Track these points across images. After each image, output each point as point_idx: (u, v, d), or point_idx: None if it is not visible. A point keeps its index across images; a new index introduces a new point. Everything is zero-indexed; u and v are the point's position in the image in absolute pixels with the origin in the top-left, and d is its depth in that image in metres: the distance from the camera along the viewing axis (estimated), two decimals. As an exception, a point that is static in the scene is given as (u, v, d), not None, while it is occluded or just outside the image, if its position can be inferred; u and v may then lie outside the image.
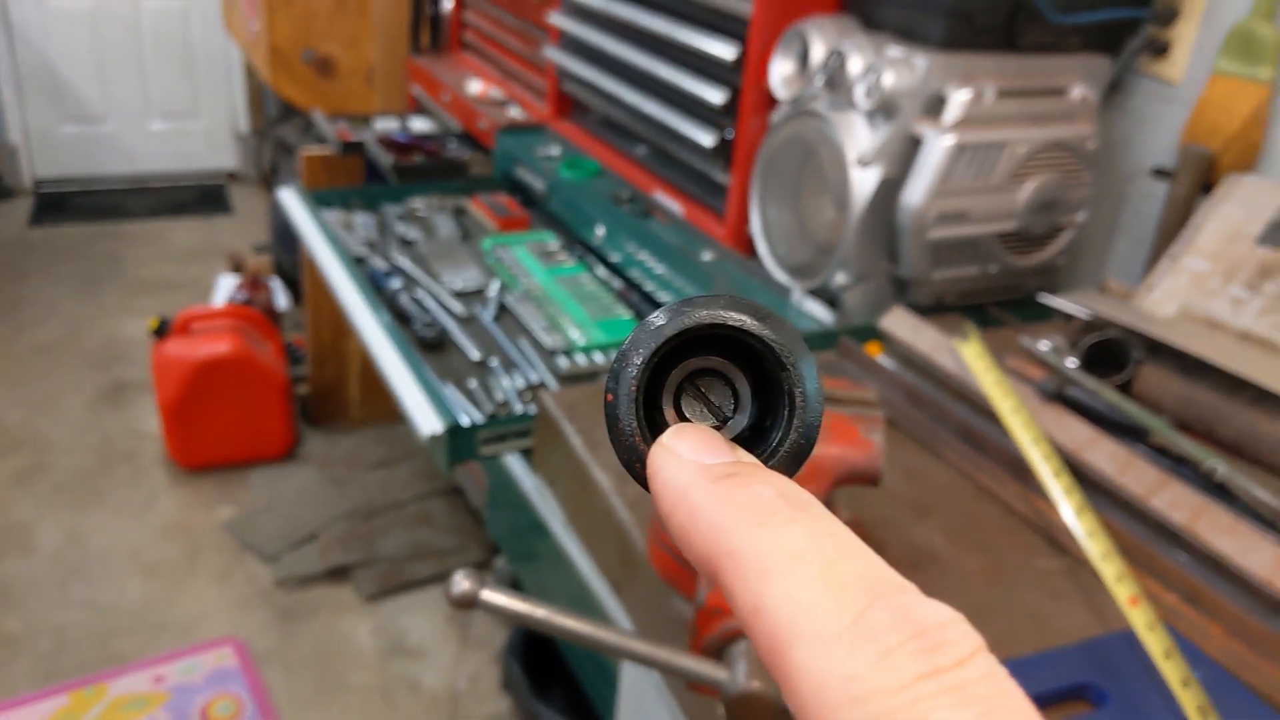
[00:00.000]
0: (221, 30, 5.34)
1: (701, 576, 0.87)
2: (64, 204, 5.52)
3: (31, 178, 5.65)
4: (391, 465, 3.44)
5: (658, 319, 0.41)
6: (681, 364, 0.44)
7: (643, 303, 2.07)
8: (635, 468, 0.42)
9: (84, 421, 3.67)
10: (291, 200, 2.51)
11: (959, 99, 1.56)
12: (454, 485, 3.30)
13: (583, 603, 1.59)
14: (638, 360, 0.41)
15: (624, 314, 2.03)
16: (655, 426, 0.43)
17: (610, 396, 0.41)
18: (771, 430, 0.43)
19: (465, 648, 2.79)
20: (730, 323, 0.41)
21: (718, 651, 0.83)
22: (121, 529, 3.14)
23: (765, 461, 0.42)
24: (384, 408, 3.67)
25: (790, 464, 0.42)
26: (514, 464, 1.89)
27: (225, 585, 2.95)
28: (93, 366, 4.01)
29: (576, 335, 1.94)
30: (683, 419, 0.45)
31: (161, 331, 3.24)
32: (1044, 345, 1.38)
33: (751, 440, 0.45)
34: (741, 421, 0.45)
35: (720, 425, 0.45)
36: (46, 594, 2.88)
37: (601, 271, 2.22)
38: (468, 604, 0.80)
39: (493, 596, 0.81)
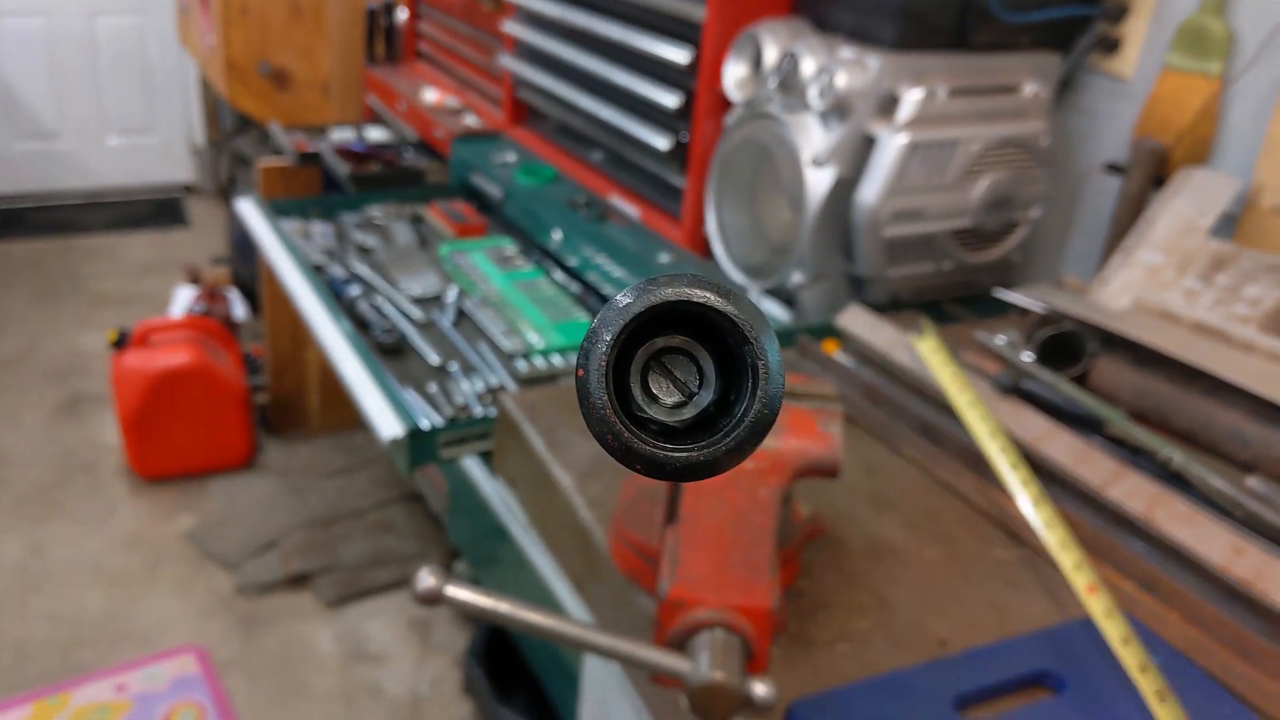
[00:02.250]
0: (177, 45, 5.32)
1: (663, 569, 0.87)
2: (19, 220, 5.47)
3: (-14, 194, 5.60)
4: (351, 473, 3.43)
5: (625, 297, 0.42)
6: (648, 343, 0.45)
7: (601, 306, 2.07)
8: (607, 439, 0.43)
9: (43, 434, 3.64)
10: (250, 210, 2.50)
11: (912, 98, 1.57)
12: (414, 491, 3.29)
13: (544, 605, 1.58)
14: (607, 337, 0.42)
15: (582, 317, 2.03)
16: (625, 401, 0.43)
17: (581, 372, 0.42)
18: (735, 404, 0.44)
19: (427, 652, 2.78)
20: (695, 299, 0.42)
21: (680, 644, 0.83)
22: (82, 540, 3.12)
23: (730, 433, 0.43)
24: (343, 416, 3.66)
25: (754, 434, 0.43)
26: (473, 467, 1.89)
27: (186, 594, 2.94)
28: (51, 380, 3.98)
29: (535, 339, 1.94)
30: (649, 394, 0.45)
31: (120, 343, 3.22)
32: (1000, 339, 1.39)
33: (716, 415, 0.46)
34: (706, 397, 0.46)
35: (686, 400, 0.46)
36: (7, 606, 2.85)
37: (559, 276, 2.22)
38: (433, 600, 0.80)
39: (457, 592, 0.81)
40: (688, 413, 0.46)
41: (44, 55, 5.46)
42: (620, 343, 0.42)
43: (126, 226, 5.52)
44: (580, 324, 2.00)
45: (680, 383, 0.46)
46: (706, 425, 0.46)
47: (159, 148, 5.91)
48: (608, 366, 0.42)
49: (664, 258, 1.97)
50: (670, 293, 0.42)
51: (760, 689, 0.78)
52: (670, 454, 0.43)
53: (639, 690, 1.09)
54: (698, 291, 0.42)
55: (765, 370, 0.42)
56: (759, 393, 0.42)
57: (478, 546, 1.95)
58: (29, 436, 3.62)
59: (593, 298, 2.11)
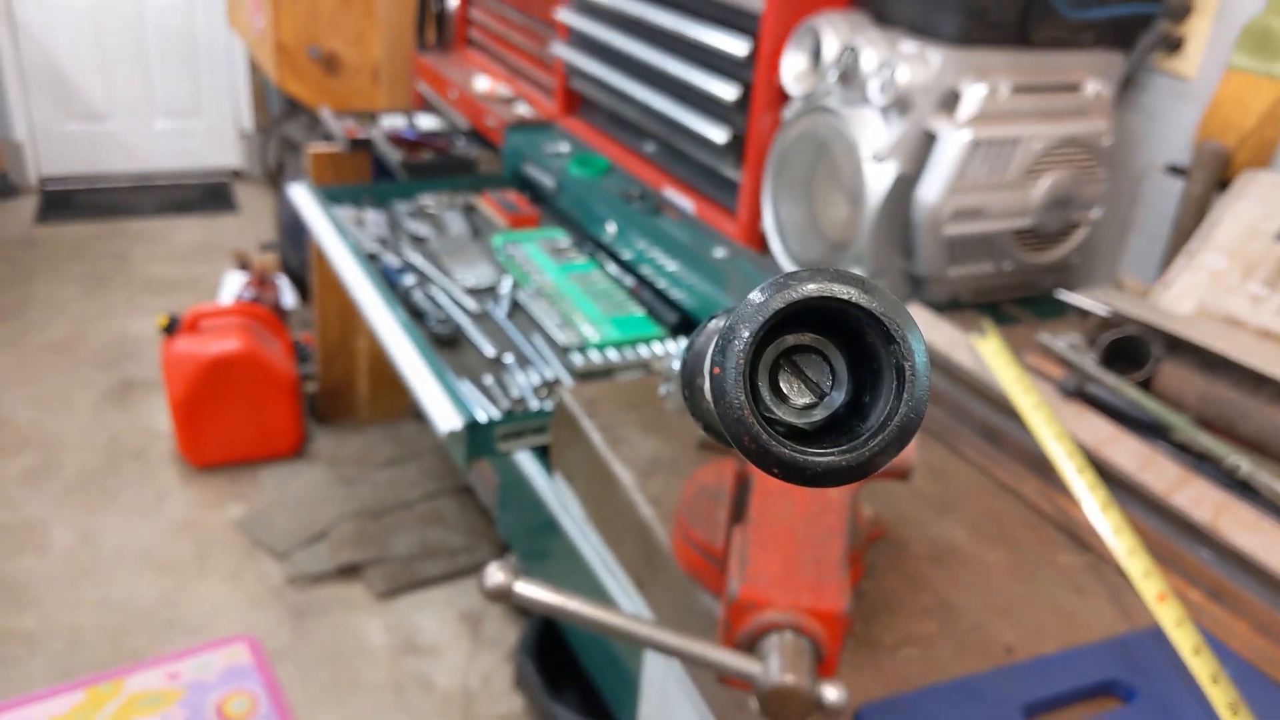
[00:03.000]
0: (226, 27, 5.34)
1: (732, 569, 0.87)
2: (69, 202, 5.52)
3: (37, 175, 5.64)
4: (400, 463, 3.44)
5: (762, 293, 0.41)
6: (777, 340, 0.44)
7: (655, 300, 2.07)
8: (743, 440, 0.41)
9: (93, 420, 3.67)
10: (303, 196, 2.51)
11: (974, 95, 1.56)
12: (463, 484, 3.30)
13: (600, 601, 1.59)
14: (745, 334, 0.41)
15: (637, 311, 2.03)
16: (755, 400, 0.42)
17: (717, 370, 0.41)
18: (871, 406, 0.43)
19: (478, 646, 2.79)
20: (839, 295, 0.41)
21: (749, 645, 0.83)
22: (132, 527, 3.14)
23: (872, 438, 0.42)
24: (392, 406, 3.67)
25: (899, 438, 0.41)
26: (525, 461, 1.89)
27: (237, 583, 2.96)
28: (101, 365, 4.01)
29: (590, 332, 1.94)
30: (778, 394, 0.45)
31: (171, 329, 3.24)
32: (1063, 342, 1.38)
33: (847, 417, 0.45)
34: (838, 398, 0.45)
35: (817, 401, 0.45)
36: (60, 593, 2.88)
37: (613, 268, 2.22)
38: (502, 596, 0.81)
39: (527, 588, 0.81)
40: (818, 414, 0.45)
41: (93, 36, 5.50)
42: (758, 340, 0.41)
43: (175, 211, 5.55)
44: (635, 318, 2.00)
45: (812, 383, 0.45)
46: (835, 428, 0.45)
47: (207, 131, 5.94)
48: (745, 365, 0.41)
49: (719, 252, 1.96)
50: (813, 289, 0.40)
51: (831, 693, 0.78)
52: (811, 458, 0.42)
53: (702, 691, 1.09)
54: (841, 287, 0.40)
55: (913, 372, 0.41)
56: (905, 395, 0.41)
57: (528, 540, 1.95)
58: (79, 422, 3.65)
59: (647, 291, 2.11)
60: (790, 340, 0.45)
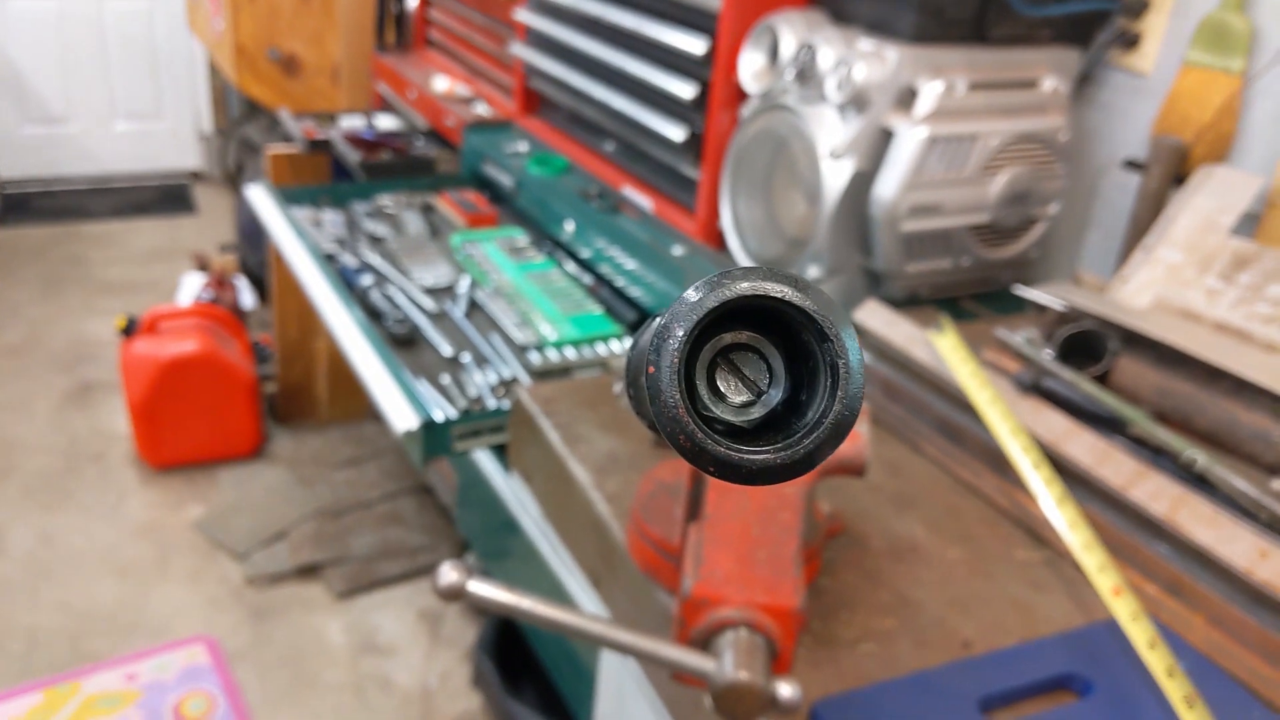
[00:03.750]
0: (185, 30, 5.31)
1: (686, 566, 0.86)
2: (26, 205, 5.47)
3: (-7, 179, 5.60)
4: (360, 463, 3.42)
5: (697, 292, 0.40)
6: (715, 339, 0.44)
7: (613, 298, 2.07)
8: (679, 439, 0.41)
9: (52, 423, 3.63)
10: (260, 197, 2.49)
11: (930, 91, 1.56)
12: (423, 483, 3.29)
13: (555, 599, 1.58)
14: (680, 333, 0.40)
15: (595, 309, 2.03)
16: (691, 399, 0.42)
17: (652, 369, 0.41)
18: (808, 404, 0.43)
19: (436, 645, 2.78)
20: (772, 293, 0.40)
21: (704, 642, 0.83)
22: (92, 529, 3.11)
23: (806, 435, 0.41)
24: (352, 406, 3.65)
25: (834, 435, 0.41)
26: (484, 460, 1.88)
27: (196, 584, 2.93)
28: (59, 368, 3.98)
29: (548, 331, 1.93)
30: (716, 393, 0.44)
31: (129, 330, 3.21)
32: (1020, 337, 1.38)
33: (786, 414, 0.44)
34: (776, 396, 0.44)
35: (755, 399, 0.44)
36: (18, 595, 2.85)
37: (571, 267, 2.21)
38: (454, 595, 0.80)
39: (479, 587, 0.80)
40: (756, 412, 0.44)
41: (53, 38, 5.45)
42: (692, 339, 0.41)
43: (133, 213, 5.51)
44: (594, 316, 2.00)
45: (750, 381, 0.45)
46: (773, 425, 0.44)
47: (167, 133, 5.90)
48: (680, 364, 0.40)
49: (677, 250, 1.96)
50: (746, 287, 0.40)
51: (786, 690, 0.78)
52: (746, 456, 0.41)
53: (657, 688, 1.08)
54: (775, 285, 0.40)
55: (846, 369, 0.41)
56: (839, 392, 0.41)
57: (487, 539, 1.94)
58: (37, 424, 3.62)
59: (606, 290, 2.11)
60: (728, 338, 0.44)
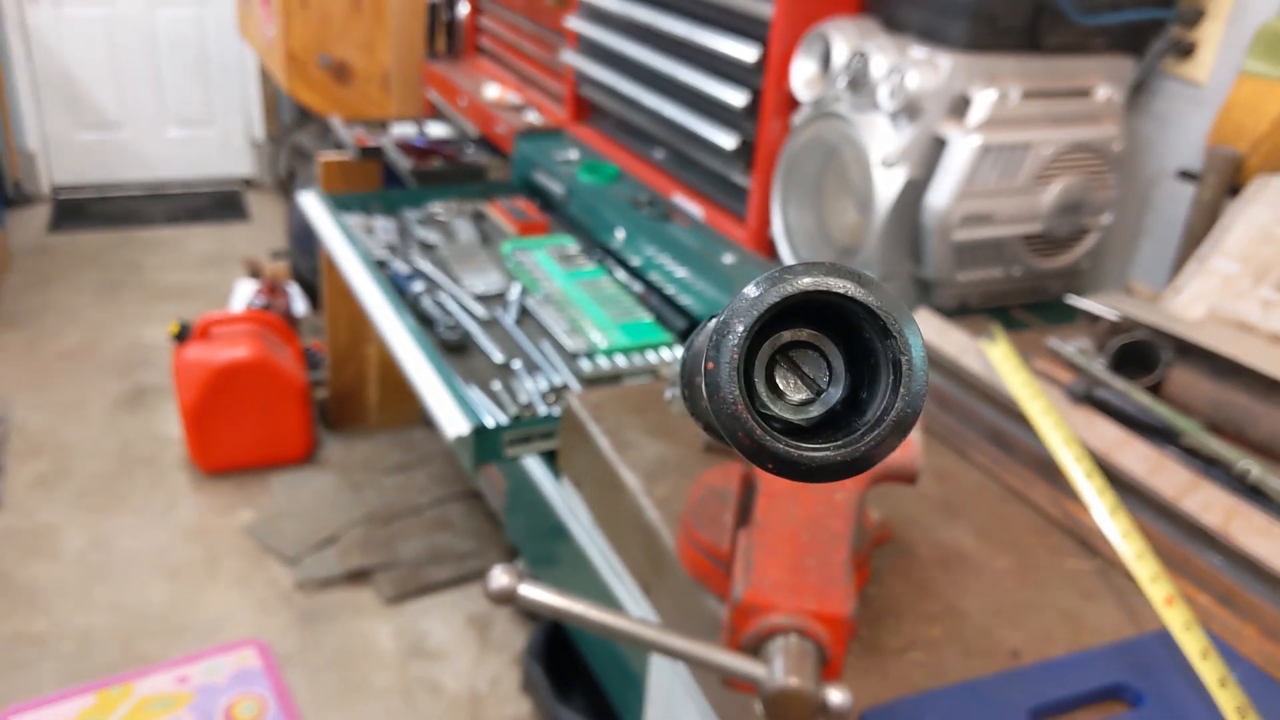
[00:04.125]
0: (237, 37, 5.36)
1: (737, 572, 0.87)
2: (82, 210, 5.54)
3: (50, 184, 5.67)
4: (409, 469, 3.44)
5: (756, 288, 0.40)
6: (774, 336, 0.44)
7: (663, 306, 2.07)
8: (738, 436, 0.41)
9: (106, 426, 3.68)
10: (312, 204, 2.51)
11: (984, 100, 1.56)
12: (472, 489, 3.30)
13: (604, 604, 1.58)
14: (740, 329, 0.40)
15: (645, 317, 2.03)
16: (750, 396, 0.42)
17: (711, 365, 0.40)
18: (868, 401, 0.42)
19: (485, 650, 2.79)
20: (835, 289, 0.40)
21: (755, 648, 0.83)
22: (144, 532, 3.15)
23: (868, 433, 0.41)
24: (401, 412, 3.67)
25: (896, 433, 0.41)
26: (533, 466, 1.89)
27: (247, 588, 2.96)
28: (113, 372, 4.02)
29: (598, 338, 1.94)
30: (775, 391, 0.44)
31: (182, 336, 3.24)
32: (1072, 347, 1.37)
33: (845, 413, 0.44)
34: (835, 394, 0.44)
35: (814, 397, 0.44)
36: (71, 596, 2.89)
37: (621, 275, 2.22)
38: (506, 599, 0.80)
39: (531, 591, 0.80)
40: (815, 410, 0.44)
41: (105, 45, 5.53)
42: (752, 335, 0.41)
43: (187, 219, 5.58)
44: (644, 324, 2.00)
45: (809, 379, 0.44)
46: (832, 424, 0.44)
47: (218, 140, 5.97)
48: (740, 360, 0.40)
49: (728, 258, 1.96)
50: (808, 282, 0.40)
51: (836, 696, 0.78)
52: (807, 454, 0.41)
53: (707, 694, 1.09)
54: (837, 281, 0.40)
55: (909, 366, 0.40)
56: (902, 390, 0.40)
57: (536, 545, 1.95)
58: (92, 428, 3.66)
59: (656, 298, 2.11)
60: (787, 336, 0.44)
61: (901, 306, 0.40)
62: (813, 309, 0.42)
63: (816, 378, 0.44)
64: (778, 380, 0.44)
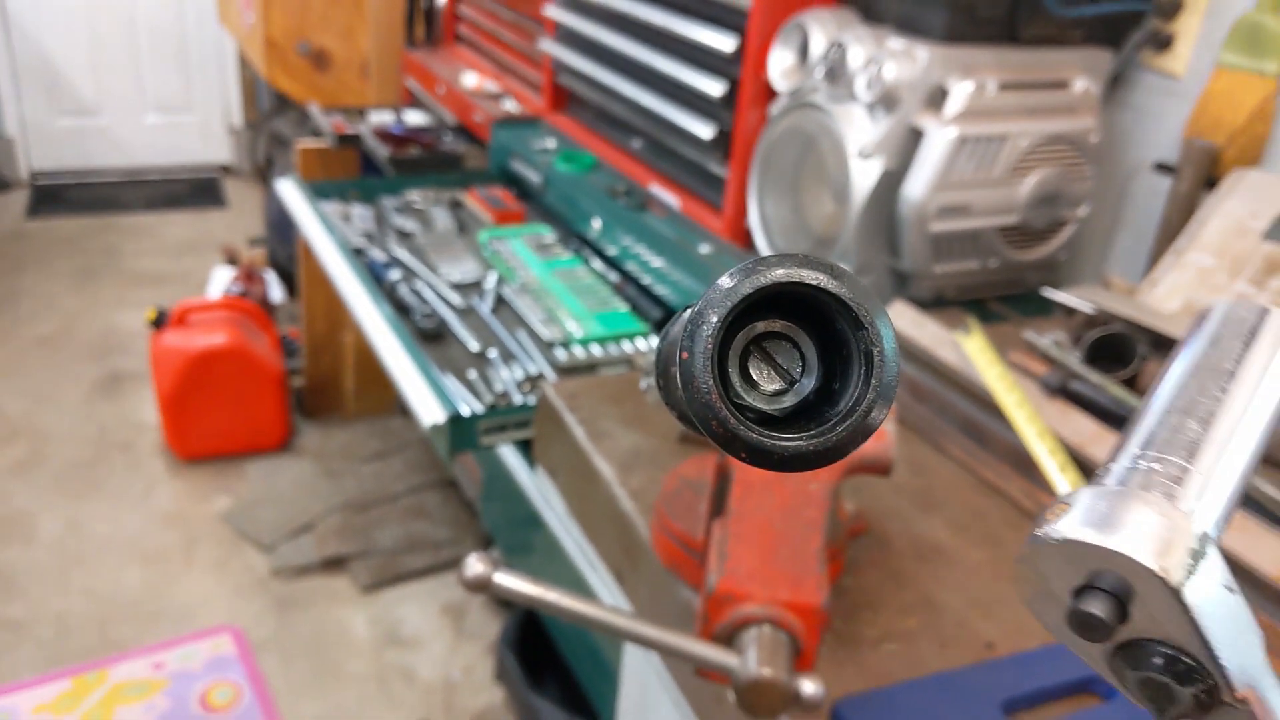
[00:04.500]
0: (216, 23, 5.33)
1: (711, 562, 0.86)
2: (60, 196, 5.51)
3: (28, 170, 5.64)
4: (386, 457, 3.44)
5: (731, 278, 0.40)
6: (747, 327, 0.44)
7: (639, 296, 2.07)
8: (711, 425, 0.41)
9: (82, 412, 3.66)
10: (290, 191, 2.50)
11: (961, 91, 1.56)
12: (448, 477, 3.30)
13: (578, 593, 1.58)
14: (714, 319, 0.40)
15: (621, 307, 2.03)
16: (724, 386, 0.42)
17: (685, 355, 0.41)
18: (840, 393, 0.43)
19: (459, 639, 2.79)
20: (807, 281, 0.40)
21: (727, 638, 0.83)
22: (120, 518, 3.14)
23: (839, 424, 0.41)
24: (378, 400, 3.66)
25: (867, 424, 0.41)
26: (509, 455, 1.89)
27: (222, 574, 2.95)
28: (90, 358, 4.01)
29: (574, 328, 1.94)
30: (749, 381, 0.44)
31: (159, 322, 3.23)
32: (1048, 339, 1.38)
33: (818, 403, 0.44)
34: (808, 384, 0.44)
35: (787, 388, 0.44)
36: (47, 582, 2.88)
37: (598, 264, 2.22)
38: (480, 587, 0.80)
39: (506, 579, 0.80)
40: (788, 401, 0.44)
41: (85, 31, 5.49)
42: (726, 325, 0.41)
43: (164, 205, 5.55)
44: (620, 314, 2.00)
45: (782, 369, 0.44)
46: (805, 414, 0.44)
47: (197, 127, 5.94)
48: (714, 350, 0.40)
49: (704, 248, 1.96)
50: (781, 274, 0.40)
51: (808, 686, 0.78)
52: (779, 443, 0.41)
53: (680, 683, 1.09)
54: (810, 273, 0.40)
55: (881, 357, 0.41)
56: (873, 381, 0.41)
57: (511, 534, 1.95)
58: (68, 414, 3.65)
59: (632, 287, 2.11)
60: (760, 327, 0.44)
61: (873, 298, 0.40)
62: (787, 300, 0.42)
63: (790, 368, 0.44)
64: (751, 370, 0.44)
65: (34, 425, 3.56)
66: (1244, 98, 1.58)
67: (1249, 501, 1.12)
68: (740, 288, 0.40)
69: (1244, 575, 1.05)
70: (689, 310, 0.48)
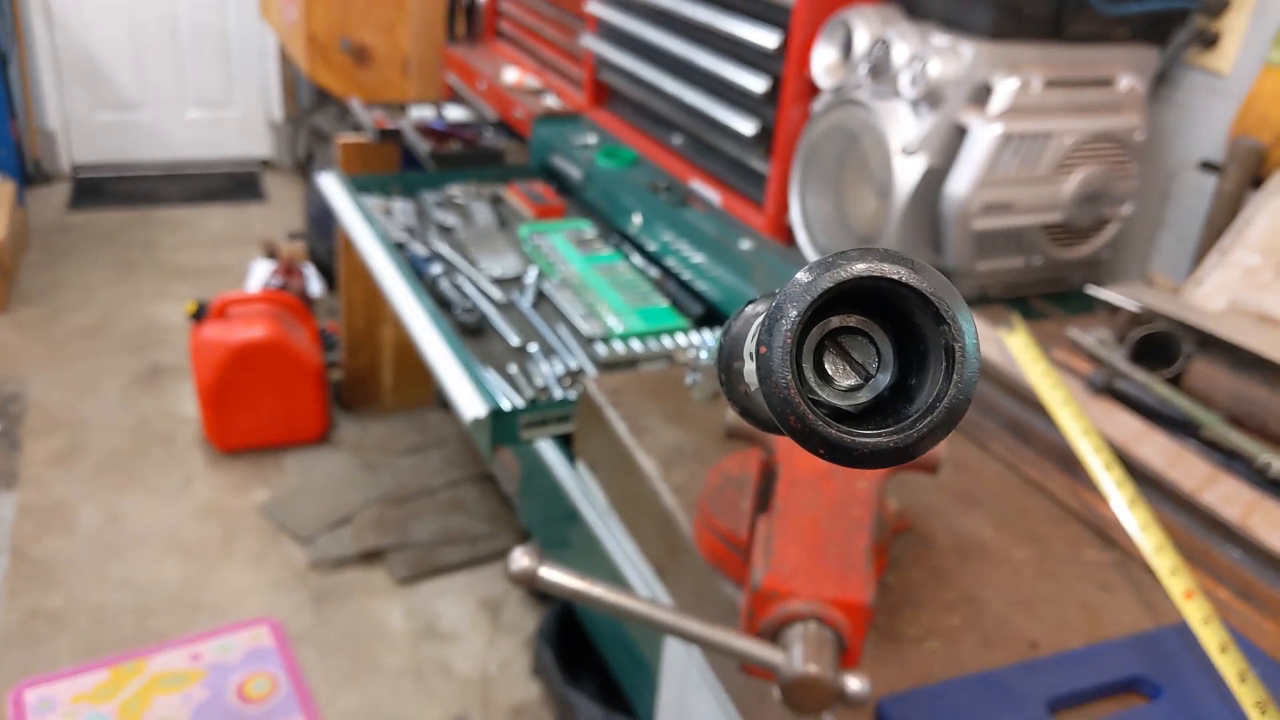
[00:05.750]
0: (257, 18, 5.36)
1: (756, 558, 0.86)
2: (101, 189, 5.55)
3: (70, 163, 5.68)
4: (423, 451, 3.45)
5: (809, 273, 0.40)
6: (822, 321, 0.43)
7: (680, 291, 2.07)
8: (789, 420, 0.41)
9: (122, 404, 3.69)
10: (331, 185, 2.51)
11: (1005, 88, 1.55)
12: (485, 471, 3.30)
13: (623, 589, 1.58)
14: (793, 314, 0.40)
15: (661, 302, 2.03)
16: (799, 382, 0.42)
17: (764, 349, 0.40)
18: (917, 389, 0.42)
19: (496, 633, 2.79)
20: (889, 275, 0.40)
21: (772, 634, 0.83)
22: (159, 510, 3.16)
23: (919, 420, 0.41)
24: (416, 394, 3.67)
25: (947, 420, 0.41)
26: (547, 450, 1.89)
27: (260, 566, 2.97)
28: (130, 350, 4.03)
29: (614, 323, 1.94)
30: (823, 376, 0.44)
31: (199, 315, 3.25)
32: (1092, 338, 1.37)
33: (893, 399, 0.44)
34: (884, 380, 0.44)
35: (863, 383, 0.44)
36: (86, 572, 2.90)
37: (638, 260, 2.22)
38: (527, 580, 0.80)
39: (551, 573, 0.80)
40: (863, 396, 0.44)
41: (126, 26, 5.53)
42: (805, 320, 0.41)
43: (204, 199, 5.58)
44: (660, 309, 2.00)
45: (858, 365, 0.44)
46: (879, 410, 0.44)
47: (237, 121, 5.97)
48: (793, 344, 0.40)
49: (745, 244, 1.95)
50: (863, 268, 0.40)
51: (854, 684, 0.78)
52: (859, 439, 0.41)
53: (723, 680, 1.09)
54: (892, 267, 0.40)
55: (963, 353, 0.40)
56: (955, 377, 0.40)
57: (549, 529, 1.95)
58: (108, 405, 3.67)
59: (672, 283, 2.11)
60: (836, 322, 0.44)
61: (954, 293, 0.40)
62: (862, 294, 0.42)
63: (865, 364, 0.44)
64: (826, 366, 0.44)
65: (74, 417, 3.59)
66: (1292, 96, 1.57)
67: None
68: (819, 282, 0.40)
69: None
70: (750, 305, 0.48)
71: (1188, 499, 1.14)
